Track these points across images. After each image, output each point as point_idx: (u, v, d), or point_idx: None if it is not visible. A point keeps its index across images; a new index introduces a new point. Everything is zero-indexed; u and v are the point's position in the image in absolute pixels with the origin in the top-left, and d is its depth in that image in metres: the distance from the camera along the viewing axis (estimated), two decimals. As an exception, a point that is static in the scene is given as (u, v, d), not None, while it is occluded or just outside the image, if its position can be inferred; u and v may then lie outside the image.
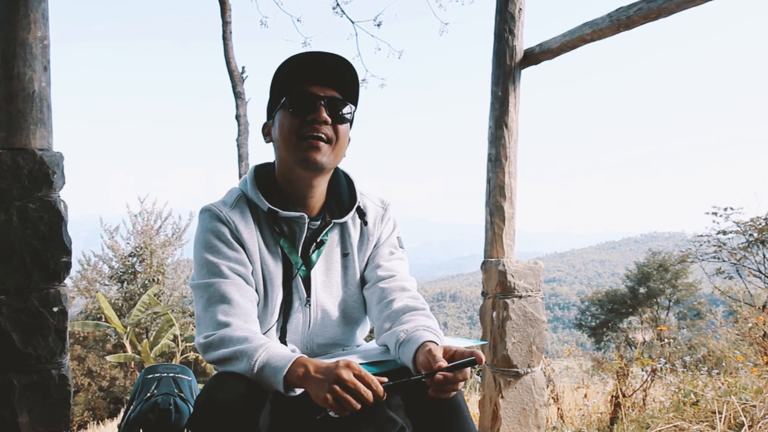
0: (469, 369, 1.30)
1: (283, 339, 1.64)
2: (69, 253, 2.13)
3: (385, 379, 1.27)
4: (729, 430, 2.78)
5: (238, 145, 10.42)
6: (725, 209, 13.93)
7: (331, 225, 1.68)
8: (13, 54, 2.08)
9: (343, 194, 1.73)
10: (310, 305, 1.66)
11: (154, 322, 17.56)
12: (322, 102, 1.55)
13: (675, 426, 2.94)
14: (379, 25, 10.20)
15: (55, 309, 2.08)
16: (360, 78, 1.65)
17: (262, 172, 1.71)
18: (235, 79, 10.40)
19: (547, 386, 3.74)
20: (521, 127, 3.38)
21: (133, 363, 15.24)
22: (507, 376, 3.17)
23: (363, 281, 1.75)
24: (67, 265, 2.12)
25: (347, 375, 1.23)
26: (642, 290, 23.07)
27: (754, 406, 2.84)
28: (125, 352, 14.80)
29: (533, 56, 3.31)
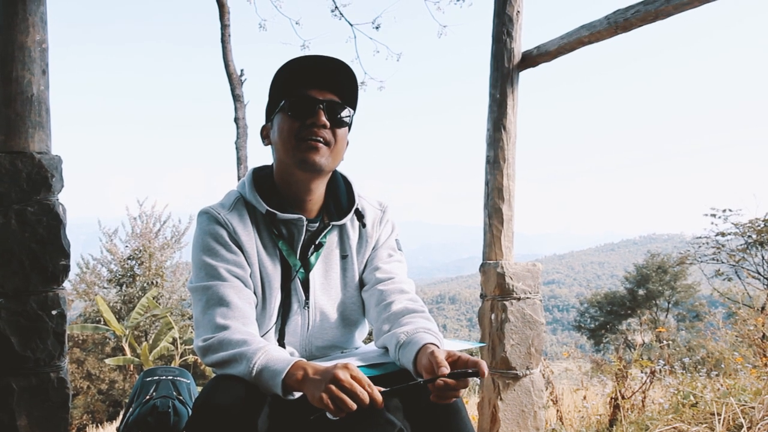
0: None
1: (281, 341, 1.64)
2: (68, 256, 2.13)
3: (383, 389, 1.27)
4: (728, 431, 2.78)
5: (236, 148, 10.43)
6: (724, 211, 13.95)
7: (329, 227, 1.68)
8: (12, 57, 2.08)
9: (341, 197, 1.73)
10: (308, 307, 1.66)
11: (153, 325, 17.55)
12: (321, 106, 1.56)
13: (674, 428, 2.94)
14: (377, 28, 10.22)
15: (54, 312, 2.07)
16: (359, 81, 1.67)
17: (260, 174, 1.71)
18: (234, 82, 10.41)
19: (546, 388, 3.74)
20: (519, 129, 3.38)
21: (132, 366, 15.24)
22: (506, 378, 3.17)
23: (362, 283, 1.75)
24: (66, 269, 2.12)
25: (344, 375, 1.23)
26: (641, 292, 23.07)
27: (753, 408, 2.84)
28: (124, 355, 14.79)
29: (531, 58, 3.32)
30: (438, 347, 1.43)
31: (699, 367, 4.77)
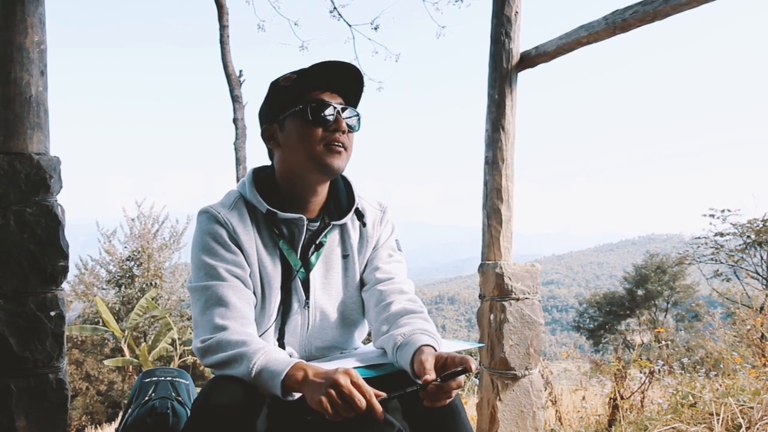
0: (463, 376, 1.30)
1: (281, 341, 1.64)
2: (66, 257, 2.13)
3: (384, 394, 1.27)
4: (726, 431, 2.78)
5: (235, 149, 10.43)
6: (723, 211, 13.97)
7: (330, 227, 1.69)
8: (10, 58, 2.09)
9: (341, 197, 1.74)
10: (308, 307, 1.66)
11: (152, 326, 17.54)
12: (341, 112, 1.60)
13: (673, 428, 2.94)
14: (376, 29, 10.22)
15: (53, 313, 2.08)
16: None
17: (260, 174, 1.72)
18: (233, 82, 10.41)
19: (545, 388, 3.74)
20: (518, 129, 3.38)
21: (131, 367, 15.23)
22: (504, 378, 3.17)
23: (362, 283, 1.76)
24: (65, 269, 2.12)
25: (344, 381, 1.23)
26: (640, 292, 23.09)
27: (752, 408, 2.84)
28: (123, 356, 14.77)
29: (530, 59, 3.32)
30: (435, 349, 1.43)
31: (698, 367, 4.78)
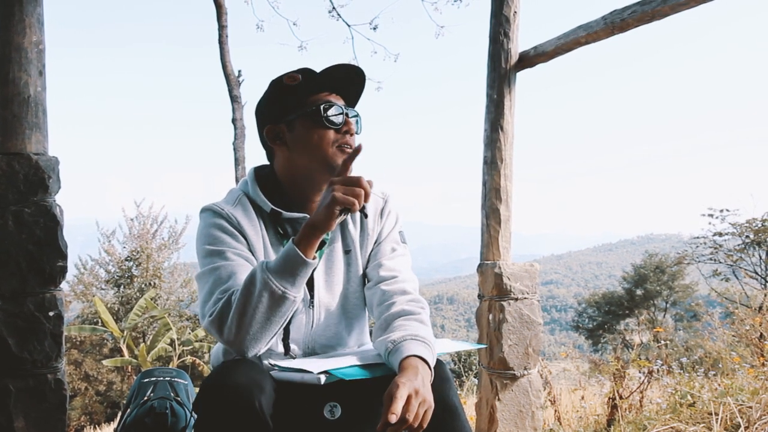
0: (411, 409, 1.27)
1: (285, 339, 1.62)
2: (65, 257, 2.13)
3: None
4: (725, 431, 2.79)
5: (234, 149, 10.42)
6: (721, 211, 13.99)
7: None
8: (9, 58, 2.08)
9: None
10: (313, 306, 1.65)
11: (151, 326, 17.54)
12: (350, 114, 1.63)
13: (672, 427, 2.95)
14: (375, 29, 10.21)
15: (51, 313, 2.07)
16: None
17: (261, 173, 1.72)
18: (232, 82, 10.40)
19: (544, 388, 3.74)
20: (517, 129, 3.38)
21: (130, 367, 15.23)
22: (503, 378, 3.17)
23: (365, 278, 1.74)
24: (63, 270, 2.12)
25: (338, 178, 1.41)
26: (639, 292, 23.12)
27: (751, 407, 2.84)
28: (122, 356, 14.77)
29: (528, 59, 3.32)
30: (422, 357, 1.40)
31: (697, 366, 4.78)
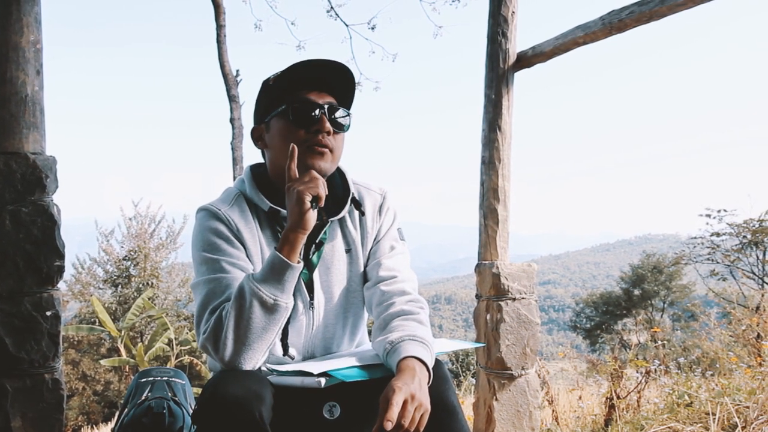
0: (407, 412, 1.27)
1: (284, 341, 1.59)
2: (62, 257, 2.12)
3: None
4: (723, 431, 2.79)
5: (232, 148, 10.42)
6: (719, 211, 14.00)
7: (328, 224, 1.65)
8: (6, 58, 2.08)
9: (336, 189, 1.70)
10: (313, 308, 1.63)
11: (149, 326, 17.52)
12: (323, 111, 1.56)
13: (669, 427, 2.95)
14: (373, 28, 10.21)
15: (48, 313, 2.07)
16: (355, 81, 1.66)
17: (258, 172, 1.69)
18: (230, 82, 10.40)
19: (542, 388, 3.74)
20: (515, 129, 3.38)
21: (127, 367, 15.21)
22: (501, 378, 3.17)
23: (365, 277, 1.72)
24: (61, 269, 2.12)
25: (299, 182, 1.42)
26: (636, 292, 23.14)
27: (748, 407, 2.85)
28: (120, 356, 14.76)
29: (526, 59, 3.32)
30: (420, 359, 1.40)
31: (694, 366, 4.79)
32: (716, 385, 3.36)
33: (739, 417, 2.78)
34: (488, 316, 3.22)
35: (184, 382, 2.15)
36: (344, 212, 1.67)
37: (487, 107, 3.37)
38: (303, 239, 1.43)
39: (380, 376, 1.44)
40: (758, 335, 4.62)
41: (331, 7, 10.17)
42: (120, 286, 18.62)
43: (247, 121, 10.87)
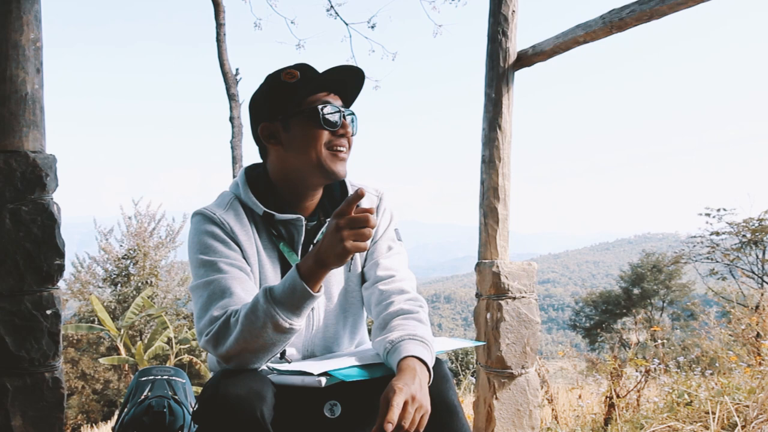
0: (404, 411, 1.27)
1: None
2: (62, 255, 2.12)
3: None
4: (722, 430, 2.79)
5: (232, 147, 10.43)
6: (718, 210, 14.01)
7: (326, 224, 1.65)
8: (6, 56, 2.08)
9: (335, 190, 1.72)
10: (312, 309, 1.63)
11: (148, 325, 17.51)
12: (347, 116, 1.60)
13: (669, 426, 2.95)
14: (372, 27, 10.21)
15: (48, 312, 2.07)
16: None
17: (253, 174, 1.69)
18: (229, 81, 10.40)
19: (542, 387, 3.74)
20: (515, 128, 3.38)
21: (127, 365, 15.20)
22: (501, 377, 3.18)
23: (363, 277, 1.72)
24: (61, 268, 2.12)
25: (344, 221, 1.31)
26: (636, 291, 23.15)
27: (747, 406, 2.85)
28: (119, 354, 14.75)
29: (526, 58, 3.32)
30: (420, 358, 1.40)
31: (693, 365, 4.79)
32: (716, 384, 3.36)
33: (738, 416, 2.79)
34: (488, 315, 3.22)
35: (184, 381, 2.16)
36: None
37: (487, 106, 3.37)
38: (328, 272, 1.40)
39: (380, 375, 1.44)
40: (758, 334, 4.62)
41: (331, 6, 10.18)
42: (119, 285, 18.59)
43: (246, 120, 10.88)
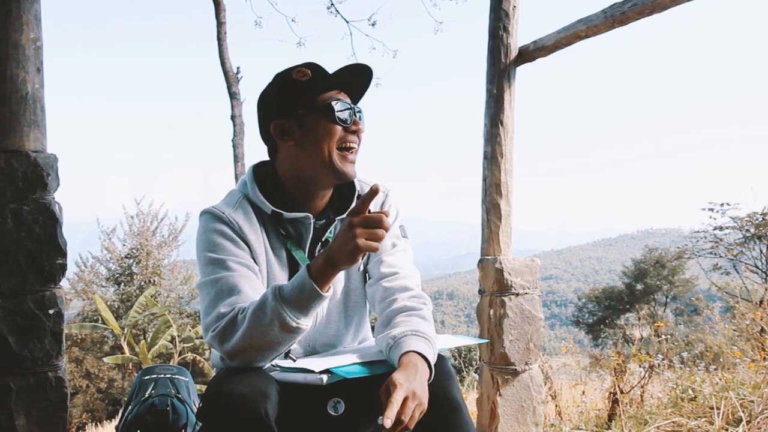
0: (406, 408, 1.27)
1: None
2: (64, 255, 2.12)
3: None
4: (727, 425, 2.79)
5: (233, 146, 10.42)
6: (722, 205, 13.99)
7: (335, 222, 1.66)
8: (6, 55, 2.07)
9: (343, 187, 1.72)
10: None
11: (152, 324, 17.56)
12: (356, 112, 1.61)
13: (673, 422, 2.95)
14: (373, 25, 10.21)
15: (51, 311, 2.07)
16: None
17: (260, 172, 1.69)
18: (230, 79, 10.39)
19: (545, 383, 3.74)
20: (517, 124, 3.37)
21: (130, 364, 15.23)
22: (504, 373, 3.17)
23: (367, 274, 1.73)
24: (63, 267, 2.12)
25: (357, 220, 1.31)
26: (639, 287, 23.14)
27: (752, 402, 2.84)
28: (123, 353, 14.78)
29: (528, 53, 3.31)
30: (422, 354, 1.40)
31: (697, 361, 4.78)
32: (720, 379, 3.36)
33: (743, 411, 2.78)
34: (491, 312, 3.21)
35: (187, 379, 2.16)
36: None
37: (488, 102, 3.36)
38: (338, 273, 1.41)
39: (382, 372, 1.44)
40: (762, 329, 4.61)
41: (332, 4, 10.16)
42: (122, 284, 18.64)
43: (248, 119, 10.86)
